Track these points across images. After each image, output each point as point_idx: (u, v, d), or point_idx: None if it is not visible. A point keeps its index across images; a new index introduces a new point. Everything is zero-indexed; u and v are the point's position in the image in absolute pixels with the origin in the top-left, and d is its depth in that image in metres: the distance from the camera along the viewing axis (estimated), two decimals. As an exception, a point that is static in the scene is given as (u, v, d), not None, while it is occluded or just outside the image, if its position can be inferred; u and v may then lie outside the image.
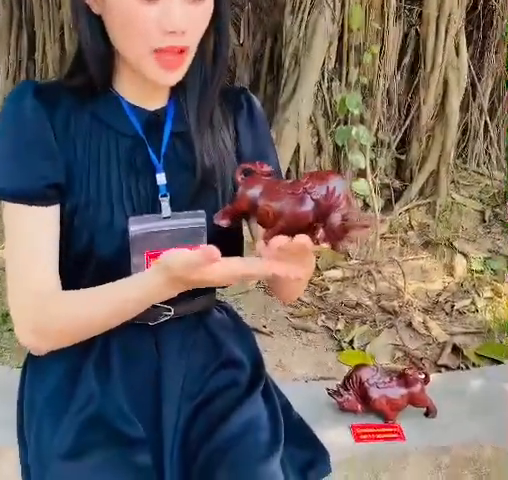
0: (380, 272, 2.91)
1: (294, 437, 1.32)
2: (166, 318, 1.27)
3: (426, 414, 1.92)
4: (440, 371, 2.42)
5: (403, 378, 1.89)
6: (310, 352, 2.46)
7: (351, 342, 2.54)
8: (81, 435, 1.18)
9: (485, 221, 3.45)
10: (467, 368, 2.40)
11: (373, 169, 3.33)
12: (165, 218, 1.18)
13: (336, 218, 0.92)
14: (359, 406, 1.88)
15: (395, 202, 3.43)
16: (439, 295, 2.90)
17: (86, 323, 1.16)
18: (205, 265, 0.97)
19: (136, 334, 1.27)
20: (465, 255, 3.15)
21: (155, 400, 1.25)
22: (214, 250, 0.96)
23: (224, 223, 1.03)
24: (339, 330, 2.59)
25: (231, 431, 1.22)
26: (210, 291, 1.37)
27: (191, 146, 1.23)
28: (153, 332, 1.29)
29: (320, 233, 0.93)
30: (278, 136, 3.33)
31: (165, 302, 1.17)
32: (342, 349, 2.51)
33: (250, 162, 1.08)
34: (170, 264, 1.01)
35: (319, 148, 3.48)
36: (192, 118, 1.25)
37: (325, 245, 0.95)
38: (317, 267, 3.02)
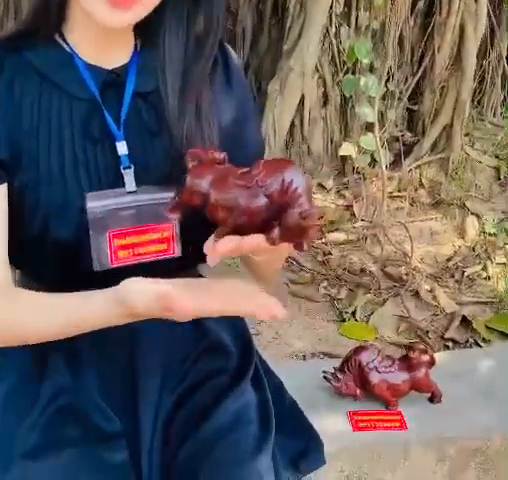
0: (386, 235, 2.74)
1: (286, 424, 1.23)
2: None
3: (430, 400, 1.78)
4: (447, 346, 2.28)
5: (406, 361, 1.74)
6: (310, 323, 2.31)
7: (354, 313, 2.39)
8: (50, 431, 1.08)
9: (500, 179, 3.25)
10: (476, 343, 2.25)
11: (382, 123, 3.12)
12: (129, 193, 1.04)
13: (293, 216, 0.81)
14: (358, 391, 1.73)
15: (405, 157, 3.23)
16: (449, 260, 2.74)
17: (28, 331, 1.03)
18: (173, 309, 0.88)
19: None
20: (478, 216, 2.97)
21: (131, 392, 1.14)
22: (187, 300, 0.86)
23: (174, 217, 0.89)
24: (341, 299, 2.44)
25: (215, 426, 1.12)
26: (191, 266, 1.21)
27: (159, 109, 1.07)
28: (127, 318, 1.16)
29: (275, 232, 0.81)
30: (282, 85, 3.13)
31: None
32: (344, 320, 2.36)
33: (197, 149, 0.91)
34: (131, 302, 0.91)
35: (325, 99, 3.28)
36: (171, 72, 1.07)
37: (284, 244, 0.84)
38: (320, 229, 2.85)
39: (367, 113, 3.02)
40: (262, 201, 0.81)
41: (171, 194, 1.00)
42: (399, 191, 3.11)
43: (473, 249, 2.81)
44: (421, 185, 3.16)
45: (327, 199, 3.09)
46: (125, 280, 0.92)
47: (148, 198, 1.04)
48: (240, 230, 0.83)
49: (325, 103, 3.27)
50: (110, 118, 1.05)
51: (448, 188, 3.11)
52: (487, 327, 2.32)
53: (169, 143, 1.04)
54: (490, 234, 2.87)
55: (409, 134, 3.46)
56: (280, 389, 1.31)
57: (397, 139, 3.35)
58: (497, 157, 3.39)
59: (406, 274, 2.58)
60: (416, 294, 2.48)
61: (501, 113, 3.79)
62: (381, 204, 2.76)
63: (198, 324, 1.21)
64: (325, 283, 2.52)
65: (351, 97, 3.15)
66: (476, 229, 2.90)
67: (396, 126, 3.42)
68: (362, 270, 2.58)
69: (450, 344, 2.27)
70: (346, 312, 2.38)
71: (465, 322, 2.36)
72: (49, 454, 1.05)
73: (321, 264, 2.64)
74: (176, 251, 1.06)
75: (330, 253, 2.67)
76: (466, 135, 3.42)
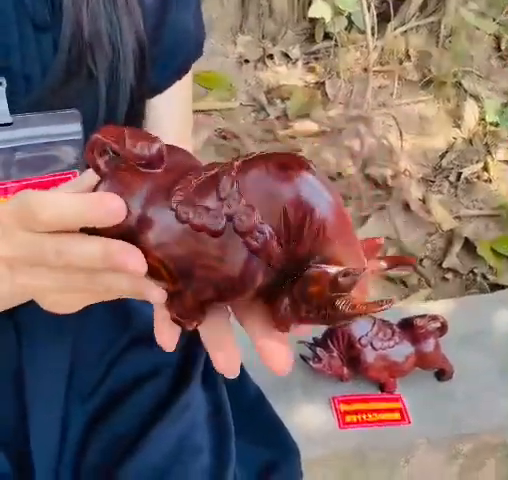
0: (367, 123, 2.21)
1: (249, 426, 0.92)
2: None
3: (438, 376, 1.35)
4: (445, 278, 1.83)
5: (410, 330, 1.30)
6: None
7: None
8: None
9: (500, 50, 2.69)
10: (482, 276, 1.80)
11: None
12: (0, 126, 0.67)
13: (310, 281, 0.38)
14: (345, 370, 1.30)
15: (388, 21, 2.62)
16: (442, 157, 2.23)
17: None
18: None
19: None
20: (476, 99, 2.44)
21: (19, 411, 0.80)
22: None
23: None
24: (313, 214, 1.93)
25: (148, 462, 0.80)
26: None
27: None
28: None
29: (283, 308, 0.39)
30: None
31: None
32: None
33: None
34: None
35: None
36: None
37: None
38: (285, 115, 2.30)
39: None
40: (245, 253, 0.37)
41: (72, 127, 0.68)
42: (382, 64, 2.54)
43: (471, 142, 2.30)
44: (408, 57, 2.59)
45: (293, 74, 2.51)
46: None
47: (32, 134, 0.68)
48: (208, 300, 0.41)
49: None
50: None
51: (440, 62, 2.54)
52: (493, 250, 1.87)
53: (67, 40, 0.65)
54: (491, 123, 2.35)
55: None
56: (240, 377, 0.90)
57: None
58: (494, 20, 2.80)
59: (393, 177, 2.08)
60: (406, 207, 2.00)
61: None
62: (366, 85, 2.20)
63: (122, 305, 0.84)
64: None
65: None
66: (475, 115, 2.38)
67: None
68: (339, 174, 2.07)
69: (450, 276, 1.82)
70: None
71: (467, 244, 1.90)
72: None
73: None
74: None
75: (299, 150, 2.14)
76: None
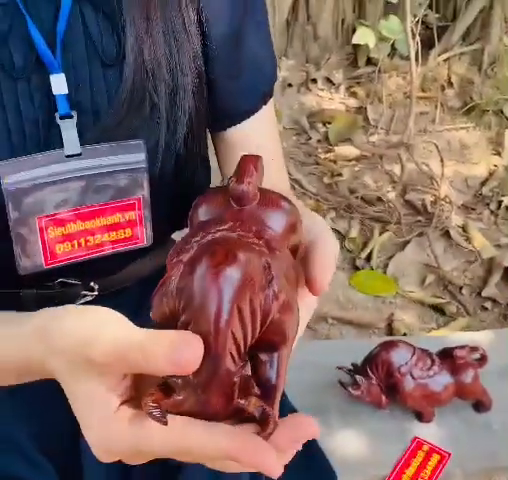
0: (408, 149, 2.21)
1: None
2: (87, 299, 0.83)
3: (477, 408, 1.34)
4: (484, 307, 1.82)
5: (449, 361, 1.29)
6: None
7: (368, 257, 1.91)
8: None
9: (544, 78, 2.69)
10: (523, 306, 1.80)
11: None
12: (70, 157, 0.70)
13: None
14: (383, 398, 1.29)
15: (431, 47, 2.64)
16: (483, 184, 2.23)
17: None
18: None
19: None
20: (518, 127, 2.44)
21: (71, 425, 0.75)
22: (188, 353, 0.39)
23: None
24: (353, 238, 1.95)
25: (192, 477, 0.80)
26: (165, 239, 0.88)
27: (115, 20, 0.70)
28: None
29: None
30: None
31: (83, 273, 0.80)
32: (356, 268, 1.88)
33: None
34: (62, 343, 0.46)
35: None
36: None
37: None
38: (327, 139, 2.31)
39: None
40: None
41: (137, 156, 0.71)
42: (423, 91, 2.55)
43: (511, 170, 2.30)
44: (450, 84, 2.60)
45: (335, 98, 2.53)
46: (64, 309, 0.48)
47: (99, 164, 0.71)
48: None
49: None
50: (39, 35, 0.67)
51: (482, 89, 2.55)
52: (532, 280, 1.87)
53: (130, 70, 0.69)
54: (534, 152, 2.35)
55: (435, 15, 2.85)
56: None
57: (418, 22, 2.74)
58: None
59: (433, 203, 2.08)
60: (446, 234, 2.00)
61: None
62: (408, 111, 2.21)
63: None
64: (333, 214, 2.02)
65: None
66: (516, 144, 2.38)
67: (419, 5, 2.80)
68: (378, 199, 2.08)
69: (489, 305, 1.81)
70: (358, 257, 1.90)
71: (506, 273, 1.89)
72: None
73: (328, 188, 2.13)
74: (145, 239, 0.76)
75: (339, 174, 2.15)
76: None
